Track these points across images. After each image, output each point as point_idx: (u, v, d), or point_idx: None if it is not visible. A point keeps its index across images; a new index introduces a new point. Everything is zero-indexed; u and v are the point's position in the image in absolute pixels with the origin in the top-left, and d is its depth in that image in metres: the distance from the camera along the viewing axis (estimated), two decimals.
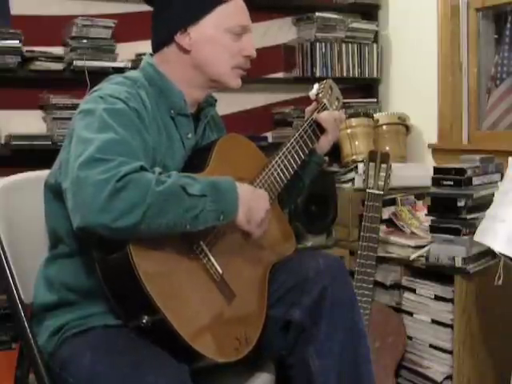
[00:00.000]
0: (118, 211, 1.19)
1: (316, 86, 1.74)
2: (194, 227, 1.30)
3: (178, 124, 1.51)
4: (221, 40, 1.50)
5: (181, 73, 1.52)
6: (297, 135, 1.64)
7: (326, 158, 1.80)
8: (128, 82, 1.46)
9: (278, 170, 1.59)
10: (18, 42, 2.50)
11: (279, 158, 1.60)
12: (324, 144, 1.72)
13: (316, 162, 1.75)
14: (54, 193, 1.42)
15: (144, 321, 1.27)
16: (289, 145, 1.62)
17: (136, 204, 1.20)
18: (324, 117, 1.68)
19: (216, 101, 1.67)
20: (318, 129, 1.69)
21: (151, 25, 1.56)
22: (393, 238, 2.54)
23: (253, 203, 1.39)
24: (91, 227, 1.21)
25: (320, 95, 1.72)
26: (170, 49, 1.52)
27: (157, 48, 1.55)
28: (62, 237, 1.43)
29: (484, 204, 2.01)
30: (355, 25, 3.37)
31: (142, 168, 1.26)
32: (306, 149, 1.65)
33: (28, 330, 1.39)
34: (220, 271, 1.39)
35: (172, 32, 1.49)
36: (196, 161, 1.51)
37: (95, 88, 1.46)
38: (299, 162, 1.64)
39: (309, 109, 1.72)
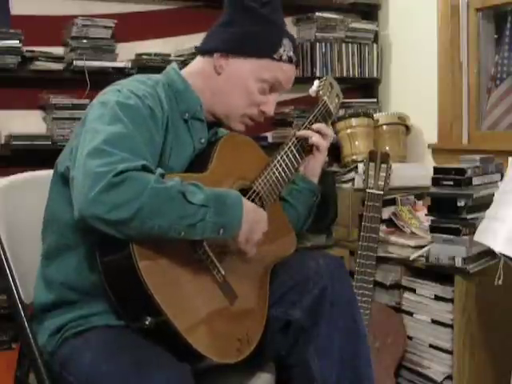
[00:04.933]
0: (112, 203, 1.20)
1: (316, 82, 1.74)
2: (190, 235, 1.28)
3: (191, 127, 1.52)
4: (250, 85, 1.50)
5: (204, 89, 1.52)
6: (298, 133, 1.64)
7: (326, 159, 1.79)
8: (149, 82, 1.47)
9: (280, 169, 1.59)
10: (18, 42, 2.50)
11: (281, 157, 1.60)
12: (311, 163, 1.69)
13: (308, 189, 1.71)
14: (64, 179, 1.40)
15: (147, 322, 1.26)
16: (290, 143, 1.62)
17: (130, 199, 1.20)
18: (312, 135, 1.65)
19: None
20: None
21: (213, 26, 1.56)
22: (393, 238, 2.54)
23: (254, 223, 1.38)
24: (86, 218, 1.22)
25: (320, 92, 1.72)
26: (206, 61, 1.53)
27: (199, 50, 1.56)
28: (63, 229, 1.41)
29: (484, 204, 2.01)
30: (355, 25, 3.37)
31: (144, 167, 1.26)
32: (307, 147, 1.65)
33: (28, 330, 1.39)
34: (223, 272, 1.38)
35: (217, 48, 1.50)
36: (198, 160, 1.51)
37: (117, 82, 1.47)
38: (300, 161, 1.64)
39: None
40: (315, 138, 1.65)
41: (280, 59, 1.50)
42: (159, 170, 1.30)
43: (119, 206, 1.20)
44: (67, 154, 1.41)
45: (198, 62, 1.57)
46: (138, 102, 1.38)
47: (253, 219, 1.38)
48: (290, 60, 1.52)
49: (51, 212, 1.47)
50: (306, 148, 1.65)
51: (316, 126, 1.67)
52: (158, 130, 1.40)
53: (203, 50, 1.56)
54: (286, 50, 1.51)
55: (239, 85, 1.51)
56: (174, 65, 1.57)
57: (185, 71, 1.56)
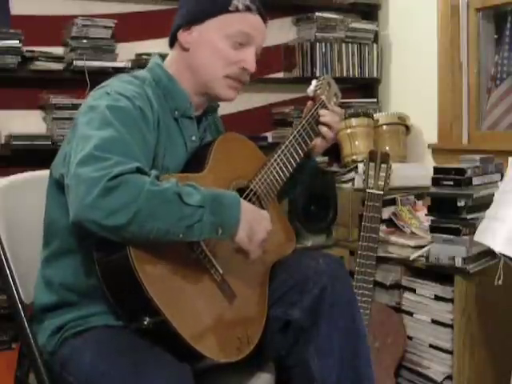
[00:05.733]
0: (108, 209, 1.19)
1: (314, 82, 1.74)
2: (188, 237, 1.27)
3: (181, 126, 1.51)
4: (219, 45, 1.49)
5: (182, 74, 1.52)
6: (295, 133, 1.64)
7: (326, 158, 1.79)
8: (136, 82, 1.46)
9: (277, 169, 1.58)
10: (18, 42, 2.50)
11: (278, 156, 1.59)
12: (321, 144, 1.70)
13: (310, 166, 1.74)
14: (59, 185, 1.41)
15: (145, 322, 1.26)
16: (287, 143, 1.62)
17: (126, 204, 1.20)
18: (325, 114, 1.67)
19: (219, 105, 1.67)
20: (317, 127, 1.68)
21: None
22: (393, 238, 2.55)
23: (255, 222, 1.37)
24: (82, 223, 1.22)
25: (318, 92, 1.71)
26: (175, 48, 1.54)
27: (169, 43, 1.57)
28: (63, 233, 1.42)
29: (484, 204, 2.01)
30: (355, 25, 3.38)
31: (139, 169, 1.25)
32: (304, 146, 1.65)
33: (28, 330, 1.39)
34: (221, 271, 1.38)
35: (177, 28, 1.51)
36: (195, 160, 1.51)
37: (103, 84, 1.46)
38: (298, 160, 1.63)
39: (307, 107, 1.72)
40: (329, 118, 1.66)
41: (237, 10, 1.49)
42: (154, 172, 1.29)
43: (116, 210, 1.19)
44: (61, 159, 1.40)
45: (171, 54, 1.57)
46: (128, 103, 1.37)
47: (253, 219, 1.37)
48: (248, 8, 1.50)
49: (49, 217, 1.47)
50: (305, 145, 1.65)
51: (330, 107, 1.69)
52: (149, 131, 1.39)
53: (170, 40, 1.56)
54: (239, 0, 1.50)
55: (209, 48, 1.50)
56: (157, 59, 1.56)
57: (169, 64, 1.55)
